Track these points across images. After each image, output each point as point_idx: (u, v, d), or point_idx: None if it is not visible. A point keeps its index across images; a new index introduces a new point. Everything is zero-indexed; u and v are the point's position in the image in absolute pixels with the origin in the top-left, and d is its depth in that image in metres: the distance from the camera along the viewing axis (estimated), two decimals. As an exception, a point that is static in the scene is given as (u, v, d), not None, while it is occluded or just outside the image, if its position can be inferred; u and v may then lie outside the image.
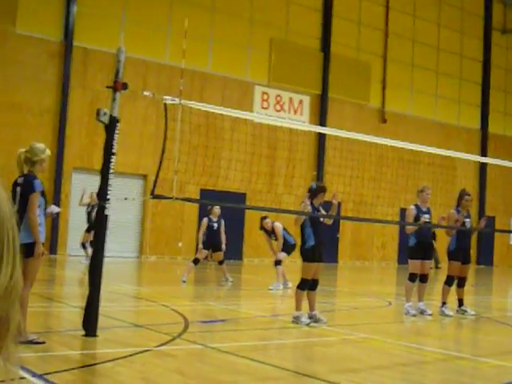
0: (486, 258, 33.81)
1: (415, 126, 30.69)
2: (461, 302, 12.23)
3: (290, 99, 27.63)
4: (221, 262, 15.84)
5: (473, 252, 33.18)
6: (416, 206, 12.00)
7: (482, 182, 34.05)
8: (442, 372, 7.29)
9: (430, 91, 32.23)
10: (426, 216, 11.93)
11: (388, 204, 29.24)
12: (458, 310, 12.14)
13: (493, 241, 34.71)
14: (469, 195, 12.43)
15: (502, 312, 13.61)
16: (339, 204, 10.35)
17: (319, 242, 9.90)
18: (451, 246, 12.23)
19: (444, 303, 11.93)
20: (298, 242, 10.34)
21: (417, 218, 11.83)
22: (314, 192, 10.10)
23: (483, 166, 33.35)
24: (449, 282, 12.08)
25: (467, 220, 12.24)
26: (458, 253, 12.11)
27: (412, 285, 11.84)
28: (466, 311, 12.12)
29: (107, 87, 8.12)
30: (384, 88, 30.42)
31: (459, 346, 9.34)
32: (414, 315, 11.51)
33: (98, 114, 7.94)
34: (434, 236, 28.50)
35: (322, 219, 10.12)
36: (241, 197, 25.08)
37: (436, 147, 15.80)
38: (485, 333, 10.81)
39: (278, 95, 27.25)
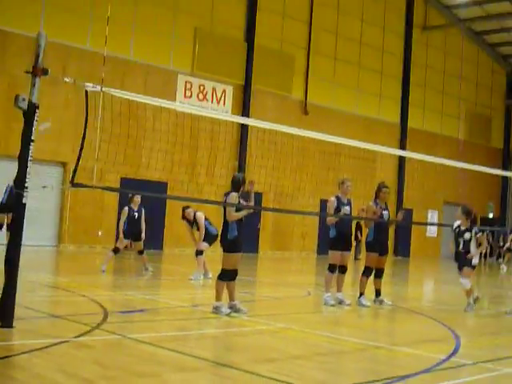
0: (403, 249, 34.60)
1: (337, 119, 31.08)
2: (378, 293, 12.47)
3: (213, 89, 27.53)
4: (141, 252, 15.73)
5: (390, 243, 33.89)
6: (337, 197, 12.17)
7: (400, 175, 34.78)
8: (359, 361, 7.43)
9: (352, 85, 32.68)
10: (347, 208, 12.11)
11: (309, 195, 29.56)
12: (375, 301, 12.38)
13: (410, 233, 35.56)
14: (387, 187, 12.68)
15: (418, 302, 13.95)
16: (260, 194, 10.37)
17: (241, 233, 9.93)
18: (369, 238, 12.47)
19: (361, 294, 12.15)
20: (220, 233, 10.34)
21: (337, 210, 12.01)
22: (238, 183, 10.11)
23: (402, 160, 34.06)
24: (367, 272, 12.31)
25: (385, 212, 12.49)
26: (376, 244, 12.35)
27: (332, 275, 12.02)
28: (382, 301, 12.37)
29: (26, 72, 7.90)
30: (307, 80, 30.67)
31: (376, 335, 9.52)
32: (333, 305, 11.69)
33: (16, 99, 7.73)
34: (360, 228, 29.09)
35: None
36: (162, 186, 24.89)
37: (357, 140, 16.04)
38: (401, 322, 11.07)
39: (202, 85, 27.11)
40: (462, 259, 12.31)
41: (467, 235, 12.26)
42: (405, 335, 9.53)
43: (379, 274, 12.48)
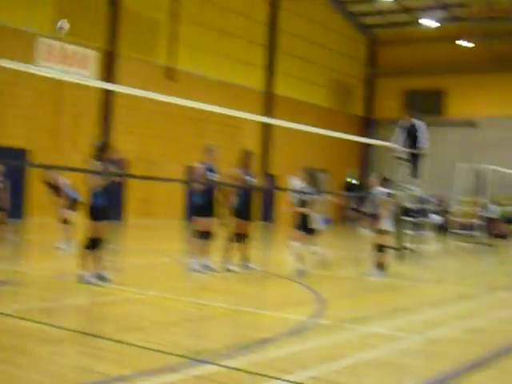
0: (268, 215, 35.21)
1: (203, 85, 30.99)
2: (244, 258, 12.68)
3: (77, 53, 26.72)
4: (2, 222, 15.20)
5: (256, 209, 34.40)
6: (204, 164, 12.21)
7: (265, 142, 35.26)
8: (226, 326, 7.55)
9: (218, 51, 32.63)
10: (214, 175, 12.19)
11: (175, 162, 29.49)
12: (241, 266, 12.58)
13: (274, 199, 36.18)
14: (251, 155, 12.86)
15: (283, 267, 14.26)
16: (126, 161, 10.26)
17: (108, 201, 9.79)
18: (235, 204, 12.62)
19: (228, 259, 12.31)
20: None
21: (204, 177, 12.06)
22: (101, 149, 9.94)
23: (268, 127, 34.50)
24: (233, 238, 12.47)
25: (249, 179, 12.67)
26: (242, 210, 12.52)
27: (198, 242, 12.09)
28: (248, 266, 12.59)
29: None
30: (173, 46, 30.35)
31: (242, 300, 9.68)
32: (200, 271, 11.78)
33: None
34: (226, 194, 29.29)
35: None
36: (23, 153, 24.02)
37: (223, 106, 16.08)
38: (266, 287, 11.32)
39: (64, 48, 26.24)
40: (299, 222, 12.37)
41: (307, 198, 12.29)
42: (270, 299, 9.77)
43: (245, 239, 12.68)
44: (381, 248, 12.76)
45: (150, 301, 8.81)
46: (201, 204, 12.15)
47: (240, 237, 12.59)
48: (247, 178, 12.58)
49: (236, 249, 12.58)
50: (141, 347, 6.04)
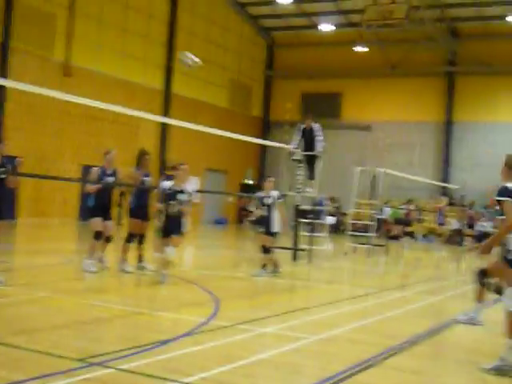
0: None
1: (101, 83, 30.46)
2: (140, 258, 12.56)
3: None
4: None
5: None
6: (101, 168, 12.09)
7: (163, 141, 35.02)
8: (121, 328, 7.44)
9: (117, 48, 32.19)
10: (110, 179, 12.06)
11: (70, 160, 28.89)
12: (137, 266, 12.46)
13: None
14: (148, 154, 12.75)
15: (179, 267, 14.18)
16: (17, 159, 10.00)
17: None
18: (131, 204, 12.49)
19: (123, 260, 12.16)
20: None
21: (100, 180, 11.91)
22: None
23: (165, 126, 34.27)
24: (129, 239, 12.33)
25: (146, 179, 12.56)
26: (138, 210, 12.39)
27: (95, 242, 11.90)
28: (145, 267, 12.47)
29: None
30: (70, 42, 29.68)
31: (138, 301, 9.59)
32: (95, 272, 11.58)
33: None
34: (123, 194, 28.92)
35: None
36: None
37: (121, 105, 15.85)
38: (162, 288, 11.22)
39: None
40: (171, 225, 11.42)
41: (182, 196, 11.52)
42: (166, 300, 9.70)
43: (141, 239, 12.56)
44: (266, 249, 12.89)
45: (41, 302, 8.59)
46: (93, 206, 12.00)
47: (136, 237, 12.46)
48: (144, 178, 12.47)
49: (132, 249, 12.44)
50: (32, 350, 5.87)
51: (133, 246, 12.45)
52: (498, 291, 7.82)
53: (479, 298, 8.58)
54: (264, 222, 13.02)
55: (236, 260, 17.87)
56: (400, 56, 38.53)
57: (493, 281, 8.16)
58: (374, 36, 36.33)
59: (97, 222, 11.97)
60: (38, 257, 14.40)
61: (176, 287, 11.24)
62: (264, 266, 12.84)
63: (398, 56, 38.62)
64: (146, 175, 12.55)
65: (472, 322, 8.64)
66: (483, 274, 8.27)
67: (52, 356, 5.74)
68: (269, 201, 13.10)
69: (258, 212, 13.11)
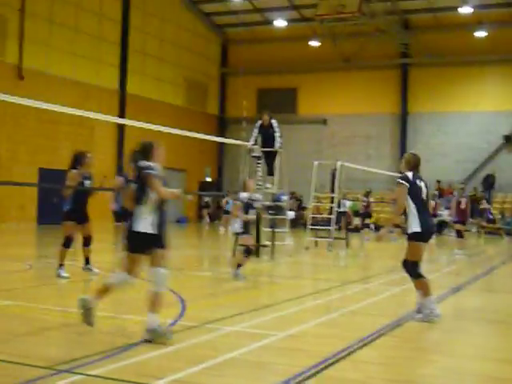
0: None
1: (54, 84, 30.12)
2: (87, 261, 12.35)
3: None
4: None
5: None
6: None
7: (119, 142, 34.78)
8: (87, 333, 7.35)
9: (69, 49, 31.85)
10: (88, 182, 11.99)
11: (26, 164, 28.52)
12: (83, 268, 12.27)
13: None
14: (90, 153, 12.47)
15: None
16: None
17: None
18: (66, 207, 12.07)
19: (61, 265, 11.77)
20: None
21: (81, 184, 11.90)
22: None
23: (122, 126, 34.04)
24: (65, 243, 11.86)
25: (86, 182, 12.25)
26: (73, 213, 12.04)
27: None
28: (91, 269, 12.25)
29: None
30: (22, 44, 29.28)
31: (103, 305, 9.49)
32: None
33: None
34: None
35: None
36: None
37: (75, 107, 15.68)
38: (127, 290, 11.13)
39: None
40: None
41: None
42: (131, 303, 9.63)
43: (86, 242, 12.31)
44: (248, 250, 12.58)
45: (4, 310, 8.47)
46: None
47: (72, 241, 12.10)
48: (84, 180, 12.16)
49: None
50: (0, 361, 5.80)
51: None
52: None
53: (426, 293, 8.41)
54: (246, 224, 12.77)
55: (199, 259, 17.86)
56: (354, 49, 38.83)
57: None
58: (327, 30, 36.54)
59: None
60: (-2, 264, 14.18)
61: (140, 289, 11.17)
62: (239, 266, 12.53)
63: (351, 49, 38.92)
64: (86, 177, 12.23)
65: (430, 317, 8.36)
66: (414, 265, 8.43)
67: (20, 365, 5.68)
68: (258, 204, 13.08)
69: (249, 217, 12.72)
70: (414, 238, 8.39)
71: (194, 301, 9.56)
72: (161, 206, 6.95)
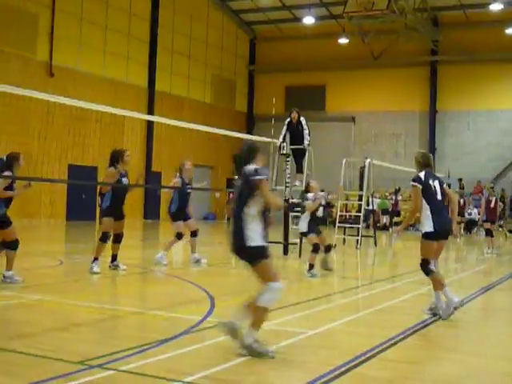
0: (152, 212, 34.94)
1: (84, 82, 30.37)
2: (114, 258, 12.39)
3: None
4: None
5: (139, 207, 34.09)
6: (181, 178, 13.10)
7: (149, 139, 34.96)
8: (117, 328, 7.45)
9: (99, 47, 32.08)
10: (125, 180, 12.12)
11: (56, 161, 28.76)
12: (110, 266, 12.31)
13: (159, 196, 35.91)
14: (128, 151, 12.54)
15: (169, 265, 14.20)
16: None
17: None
18: (105, 204, 12.18)
19: (96, 259, 11.88)
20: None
21: (119, 181, 12.00)
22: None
23: (150, 123, 34.22)
24: (103, 238, 12.05)
25: (124, 179, 12.30)
26: (112, 210, 12.16)
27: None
28: (118, 266, 12.28)
29: None
30: (52, 41, 29.55)
31: (132, 301, 9.59)
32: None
33: None
34: (101, 194, 28.91)
35: None
36: None
37: (104, 104, 15.83)
38: (155, 286, 11.24)
39: None
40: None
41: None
42: (160, 299, 9.68)
43: (118, 239, 12.40)
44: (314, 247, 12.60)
45: (35, 305, 8.57)
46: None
47: (110, 236, 12.23)
48: (122, 178, 12.23)
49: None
50: (29, 355, 5.86)
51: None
52: None
53: (437, 287, 8.39)
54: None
55: (228, 256, 17.87)
56: (382, 47, 38.62)
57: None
58: (356, 27, 36.37)
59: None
60: (28, 259, 14.31)
61: (169, 285, 11.26)
62: (312, 266, 12.53)
63: (380, 47, 38.71)
64: (123, 174, 12.32)
65: (437, 311, 8.33)
66: (425, 263, 8.43)
67: (50, 360, 5.74)
68: (323, 202, 13.48)
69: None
70: (426, 236, 8.38)
71: (223, 298, 9.58)
72: (265, 214, 6.42)
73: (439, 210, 8.42)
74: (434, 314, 8.40)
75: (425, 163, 8.74)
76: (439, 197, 8.51)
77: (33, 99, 18.31)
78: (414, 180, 8.58)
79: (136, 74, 34.50)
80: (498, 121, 37.81)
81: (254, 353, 6.01)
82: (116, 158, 12.17)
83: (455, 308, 8.25)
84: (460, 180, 35.84)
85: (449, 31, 38.34)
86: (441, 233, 8.38)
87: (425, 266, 8.43)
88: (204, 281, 11.29)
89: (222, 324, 6.23)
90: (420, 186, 8.46)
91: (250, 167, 6.29)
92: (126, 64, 33.93)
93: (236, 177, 6.51)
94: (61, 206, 30.14)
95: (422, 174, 8.58)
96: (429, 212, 8.34)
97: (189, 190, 13.80)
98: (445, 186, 8.75)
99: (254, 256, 6.21)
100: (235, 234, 6.29)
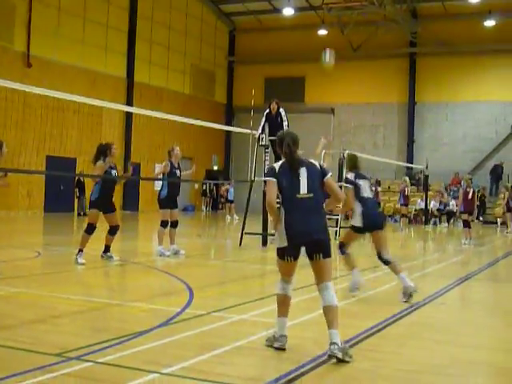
0: (131, 204, 34.84)
1: (62, 72, 30.14)
2: (107, 249, 12.48)
3: None
4: None
5: (118, 198, 33.99)
6: (170, 162, 13.67)
7: (127, 130, 34.78)
8: (96, 320, 7.41)
9: (77, 37, 31.82)
10: (113, 172, 12.51)
11: (33, 152, 28.52)
12: (102, 256, 12.41)
13: (138, 187, 35.82)
14: (114, 146, 12.67)
15: (149, 256, 14.17)
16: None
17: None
18: (93, 196, 12.31)
19: (80, 250, 11.91)
20: None
21: (171, 173, 13.51)
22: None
23: (129, 114, 34.04)
24: (88, 230, 12.12)
25: (113, 171, 12.47)
26: (100, 201, 12.23)
27: (163, 230, 13.42)
28: (111, 257, 12.40)
29: None
30: (29, 31, 29.27)
31: (110, 292, 9.56)
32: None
33: None
34: (80, 184, 28.67)
35: None
36: None
37: (82, 95, 15.69)
38: (134, 278, 11.20)
39: None
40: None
41: None
42: (139, 290, 9.66)
43: (113, 231, 12.47)
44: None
45: (13, 297, 8.51)
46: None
47: (95, 228, 12.30)
48: (111, 170, 12.43)
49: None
50: (10, 348, 5.82)
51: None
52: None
53: (351, 267, 9.64)
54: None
55: (206, 247, 17.87)
56: (362, 38, 38.68)
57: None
58: (335, 19, 36.38)
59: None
60: (4, 252, 14.22)
61: (148, 277, 11.23)
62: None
63: (359, 38, 38.77)
64: (112, 167, 12.48)
65: (356, 286, 9.49)
66: (342, 245, 9.63)
67: (29, 352, 5.71)
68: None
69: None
70: (353, 228, 9.44)
71: (201, 289, 9.57)
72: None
73: (368, 204, 9.29)
74: (410, 295, 8.87)
75: (353, 164, 9.66)
76: (367, 194, 9.37)
77: (10, 89, 18.12)
78: (346, 181, 9.45)
79: (114, 65, 34.29)
80: (475, 112, 38.05)
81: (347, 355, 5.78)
82: (103, 151, 12.28)
83: (411, 294, 8.86)
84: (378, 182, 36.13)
85: (427, 23, 38.47)
86: (369, 226, 9.26)
87: (341, 247, 9.60)
88: (183, 272, 11.27)
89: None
90: (351, 187, 9.28)
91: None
92: (104, 54, 33.70)
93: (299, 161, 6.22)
94: (39, 197, 29.94)
95: (350, 175, 9.44)
96: (359, 208, 9.21)
97: (178, 175, 13.91)
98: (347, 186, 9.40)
99: (330, 250, 6.27)
100: (322, 226, 6.21)
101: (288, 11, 38.78)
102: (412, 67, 39.68)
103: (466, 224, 19.96)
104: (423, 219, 31.92)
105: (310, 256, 6.26)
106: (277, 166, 6.27)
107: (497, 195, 35.62)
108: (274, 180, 6.16)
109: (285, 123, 16.84)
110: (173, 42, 38.47)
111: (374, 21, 36.51)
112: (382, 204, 33.15)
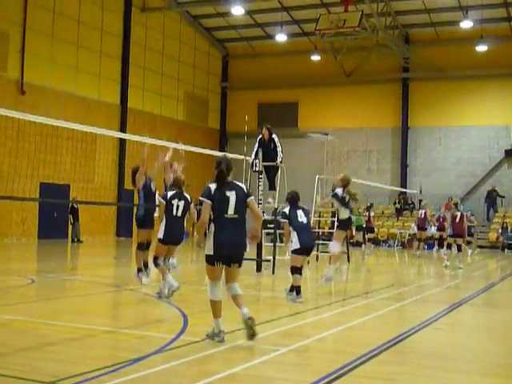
0: (125, 230, 34.74)
1: (55, 99, 30.22)
2: (146, 265, 13.13)
3: None
4: None
5: (112, 225, 33.95)
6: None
7: (121, 156, 34.79)
8: (90, 347, 7.36)
9: (71, 64, 31.95)
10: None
11: (27, 179, 28.47)
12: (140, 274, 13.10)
13: (132, 213, 35.70)
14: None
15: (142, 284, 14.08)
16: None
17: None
18: (139, 213, 13.07)
19: (140, 270, 12.85)
20: None
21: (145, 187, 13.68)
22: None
23: (123, 141, 34.07)
24: (140, 247, 12.87)
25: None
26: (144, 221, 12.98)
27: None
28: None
29: None
30: (23, 58, 29.38)
31: (105, 319, 9.51)
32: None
33: None
34: (73, 210, 28.51)
35: None
36: None
37: (76, 121, 15.77)
38: (128, 305, 11.15)
39: None
40: None
41: None
42: (133, 317, 9.63)
43: (147, 246, 13.21)
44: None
45: (7, 325, 8.46)
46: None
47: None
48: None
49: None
50: (3, 375, 5.78)
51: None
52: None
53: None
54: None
55: (201, 272, 17.80)
56: (354, 64, 38.97)
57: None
58: (328, 45, 36.65)
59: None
60: (-1, 278, 14.16)
61: (142, 303, 11.19)
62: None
63: (352, 64, 39.05)
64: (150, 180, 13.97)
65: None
66: (293, 268, 11.32)
67: (22, 380, 5.67)
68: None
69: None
70: (295, 251, 11.32)
71: (196, 315, 9.54)
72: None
73: (303, 231, 11.26)
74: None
75: (292, 199, 11.65)
76: (302, 220, 11.36)
77: (4, 116, 18.08)
78: (282, 216, 11.52)
79: (108, 91, 34.40)
80: (468, 137, 38.23)
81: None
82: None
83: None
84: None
85: (420, 48, 38.81)
86: (303, 249, 11.27)
87: (293, 270, 11.30)
88: (177, 298, 11.23)
89: None
90: (287, 220, 11.34)
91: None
92: (98, 81, 33.82)
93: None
94: (33, 224, 29.86)
95: (287, 210, 11.47)
96: (295, 234, 11.18)
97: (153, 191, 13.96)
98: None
99: (242, 261, 7.74)
100: (243, 242, 7.56)
101: (281, 37, 39.04)
102: (405, 92, 39.90)
103: (459, 248, 19.99)
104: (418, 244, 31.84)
105: (228, 264, 7.55)
106: (212, 187, 7.81)
107: (491, 220, 35.70)
108: (210, 202, 7.59)
109: (278, 149, 16.86)
110: (166, 68, 38.65)
111: (367, 46, 36.80)
112: (376, 229, 33.09)
